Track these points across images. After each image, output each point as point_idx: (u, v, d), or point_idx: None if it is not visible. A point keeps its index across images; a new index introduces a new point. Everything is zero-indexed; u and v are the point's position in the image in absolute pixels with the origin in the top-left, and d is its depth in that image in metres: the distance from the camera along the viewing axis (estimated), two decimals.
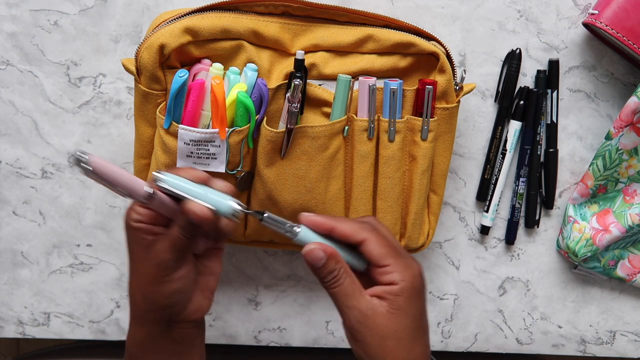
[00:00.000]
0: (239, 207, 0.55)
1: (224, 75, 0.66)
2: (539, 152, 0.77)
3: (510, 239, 0.80)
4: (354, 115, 0.68)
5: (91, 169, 0.51)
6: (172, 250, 0.56)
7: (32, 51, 0.75)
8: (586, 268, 0.80)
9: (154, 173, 0.55)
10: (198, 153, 0.66)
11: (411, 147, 0.70)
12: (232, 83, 0.65)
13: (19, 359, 0.95)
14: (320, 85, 0.68)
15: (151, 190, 0.54)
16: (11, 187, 0.79)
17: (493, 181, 0.78)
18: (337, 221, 0.57)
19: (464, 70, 0.69)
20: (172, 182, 0.54)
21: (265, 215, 0.57)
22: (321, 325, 0.84)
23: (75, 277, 0.82)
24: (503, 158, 0.77)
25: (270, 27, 0.66)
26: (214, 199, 0.54)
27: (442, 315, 0.84)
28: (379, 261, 0.56)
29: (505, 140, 0.77)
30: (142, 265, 0.57)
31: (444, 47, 0.68)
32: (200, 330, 0.63)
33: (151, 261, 0.56)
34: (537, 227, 0.81)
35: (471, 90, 0.70)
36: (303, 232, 0.57)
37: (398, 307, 0.56)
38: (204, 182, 0.56)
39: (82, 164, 0.51)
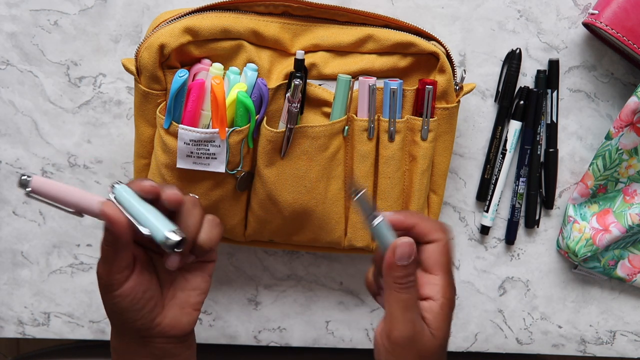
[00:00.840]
0: (173, 238, 0.52)
1: (224, 75, 0.66)
2: (539, 152, 0.77)
3: (510, 239, 0.80)
4: (354, 115, 0.68)
5: (30, 189, 0.51)
6: (101, 262, 0.54)
7: (32, 51, 0.75)
8: (586, 268, 0.80)
9: (113, 184, 0.54)
10: (198, 153, 0.66)
11: (411, 147, 0.70)
12: (232, 83, 0.65)
13: (19, 359, 0.95)
14: (320, 85, 0.68)
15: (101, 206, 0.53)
16: (11, 187, 0.79)
17: (493, 181, 0.78)
18: (417, 217, 0.55)
19: (464, 70, 0.69)
20: (123, 197, 0.53)
21: (361, 192, 0.54)
22: (321, 325, 0.84)
23: (75, 277, 0.82)
24: (503, 158, 0.77)
25: (270, 27, 0.66)
26: (153, 224, 0.52)
27: None
28: (432, 267, 0.54)
29: (505, 140, 0.77)
30: (99, 280, 0.56)
31: (444, 47, 0.68)
32: (186, 345, 0.59)
33: (99, 277, 0.55)
34: (537, 227, 0.81)
35: (471, 90, 0.70)
36: (381, 223, 0.54)
37: (438, 328, 0.54)
38: (156, 195, 0.54)
39: (24, 185, 0.51)
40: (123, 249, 0.53)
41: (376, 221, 0.54)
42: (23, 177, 0.50)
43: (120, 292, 0.54)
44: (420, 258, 0.55)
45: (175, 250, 0.53)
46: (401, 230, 0.55)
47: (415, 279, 0.54)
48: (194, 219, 0.56)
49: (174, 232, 0.52)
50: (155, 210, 0.53)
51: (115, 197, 0.53)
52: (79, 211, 0.53)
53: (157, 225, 0.52)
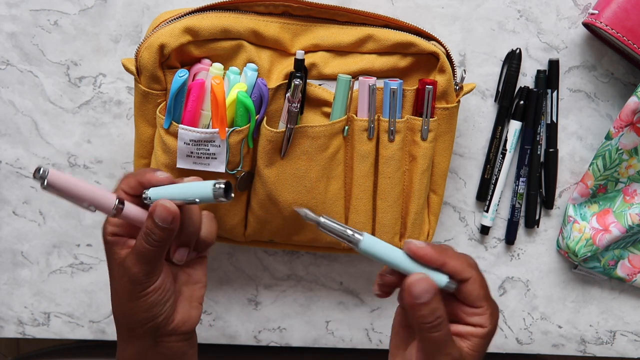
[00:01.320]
0: (220, 185, 0.53)
1: (224, 75, 0.66)
2: (539, 152, 0.77)
3: (510, 239, 0.80)
4: (354, 115, 0.68)
5: (46, 182, 0.51)
6: (140, 263, 0.54)
7: (32, 51, 0.75)
8: (586, 268, 0.80)
9: (145, 192, 0.55)
10: (198, 153, 0.66)
11: (411, 147, 0.70)
12: (232, 83, 0.65)
13: (19, 359, 0.95)
14: (320, 85, 0.68)
15: (116, 201, 0.54)
16: (11, 187, 0.79)
17: (493, 181, 0.78)
18: (447, 256, 0.53)
19: (464, 70, 0.69)
20: (159, 193, 0.54)
21: (321, 219, 0.51)
22: (321, 325, 0.84)
23: (75, 277, 0.82)
24: (503, 158, 0.77)
25: (270, 27, 0.66)
26: (196, 190, 0.54)
27: None
28: (475, 301, 0.53)
29: (505, 140, 0.77)
30: (118, 282, 0.56)
31: (444, 47, 0.68)
32: (191, 343, 0.60)
33: (124, 277, 0.55)
34: (537, 227, 0.81)
35: (471, 90, 0.70)
36: (366, 242, 0.51)
37: (478, 351, 0.54)
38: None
39: (42, 178, 0.51)
40: (168, 245, 0.55)
41: (361, 244, 0.51)
42: (40, 171, 0.51)
43: (153, 287, 0.55)
44: (458, 296, 0.54)
45: (226, 198, 0.53)
46: (430, 265, 0.53)
47: (444, 314, 0.52)
48: (196, 216, 0.57)
49: (216, 183, 0.53)
50: (186, 184, 0.55)
51: (151, 199, 0.55)
52: (94, 207, 0.53)
53: (200, 188, 0.53)
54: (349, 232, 0.51)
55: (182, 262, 0.58)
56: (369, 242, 0.52)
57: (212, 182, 0.53)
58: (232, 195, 0.53)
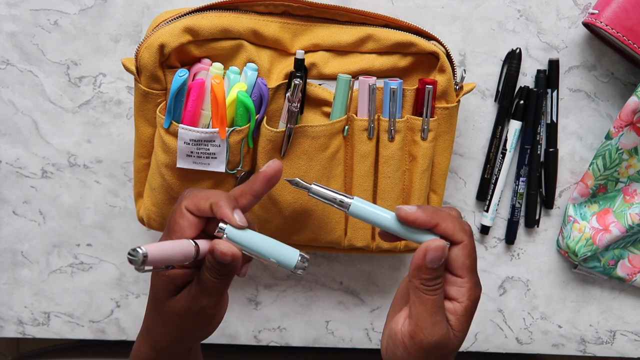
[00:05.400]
0: (304, 260, 0.52)
1: (224, 75, 0.66)
2: (539, 152, 0.77)
3: (510, 238, 0.80)
4: (354, 115, 0.68)
5: (144, 267, 0.47)
6: (212, 296, 0.53)
7: (32, 51, 0.75)
8: (586, 268, 0.80)
9: (223, 227, 0.52)
10: (198, 152, 0.66)
11: (411, 146, 0.70)
12: (232, 83, 0.65)
13: (19, 359, 0.95)
14: (320, 84, 0.68)
15: (194, 249, 0.51)
16: (11, 187, 0.79)
17: (493, 181, 0.78)
18: (440, 217, 0.53)
19: (464, 70, 0.69)
20: (235, 235, 0.52)
21: (313, 187, 0.54)
22: (321, 325, 0.84)
23: (75, 277, 0.82)
24: (503, 158, 0.77)
25: (270, 26, 0.66)
26: (280, 253, 0.52)
27: None
28: (457, 269, 0.53)
29: (505, 140, 0.77)
30: (182, 319, 0.54)
31: (444, 46, 0.68)
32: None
33: (191, 312, 0.53)
34: (537, 226, 0.81)
35: (471, 89, 0.70)
36: (356, 204, 0.53)
37: (460, 330, 0.53)
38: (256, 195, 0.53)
39: (143, 262, 0.47)
40: (232, 279, 0.53)
41: (352, 207, 0.54)
42: (134, 254, 0.47)
43: (220, 318, 0.55)
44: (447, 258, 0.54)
45: (303, 271, 0.53)
46: (423, 228, 0.53)
47: (443, 281, 0.53)
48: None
49: (301, 255, 0.53)
50: (269, 238, 0.53)
51: (227, 236, 0.52)
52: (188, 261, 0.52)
53: (285, 253, 0.52)
54: (339, 196, 0.54)
55: (244, 276, 0.57)
56: (359, 206, 0.54)
57: (297, 252, 0.52)
58: (306, 267, 0.53)
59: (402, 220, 0.53)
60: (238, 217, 0.52)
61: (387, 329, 0.56)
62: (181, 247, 0.50)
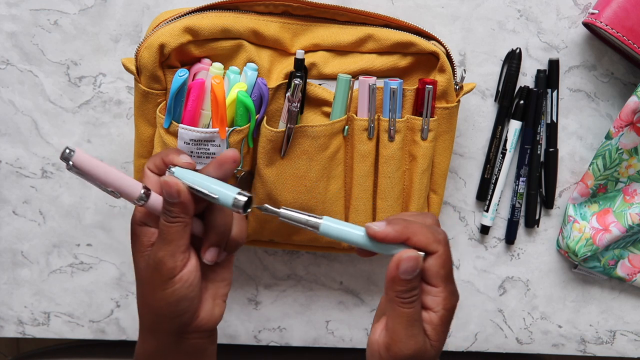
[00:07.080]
0: (242, 199, 0.53)
1: (224, 75, 0.66)
2: (539, 152, 0.78)
3: (510, 238, 0.80)
4: (354, 115, 0.68)
5: (72, 163, 0.50)
6: (163, 244, 0.54)
7: (32, 51, 0.75)
8: (586, 268, 0.80)
9: (170, 168, 0.55)
10: (198, 152, 0.66)
11: (411, 146, 0.70)
12: (232, 82, 0.65)
13: (19, 359, 0.95)
14: (320, 84, 0.68)
15: (142, 191, 0.54)
16: (11, 186, 0.79)
17: (493, 181, 0.78)
18: (410, 231, 0.52)
19: (464, 70, 0.69)
20: (181, 173, 0.54)
21: (282, 211, 0.54)
22: (321, 325, 0.84)
23: (75, 277, 0.82)
24: (503, 158, 0.77)
25: (270, 26, 0.66)
26: (219, 190, 0.53)
27: None
28: (431, 278, 0.53)
29: (505, 140, 0.77)
30: (143, 272, 0.56)
31: (444, 46, 0.68)
32: (212, 340, 0.60)
33: (149, 266, 0.55)
34: (537, 226, 0.81)
35: (471, 89, 0.70)
36: (325, 225, 0.54)
37: (437, 339, 0.53)
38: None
39: (66, 159, 0.50)
40: (187, 224, 0.54)
41: (322, 227, 0.54)
42: (66, 151, 0.50)
43: (180, 276, 0.55)
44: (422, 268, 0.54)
45: (245, 210, 0.53)
46: (394, 243, 0.53)
47: (420, 293, 0.53)
48: (228, 217, 0.57)
49: (240, 193, 0.53)
50: (214, 179, 0.54)
51: (174, 174, 0.55)
52: (117, 192, 0.53)
53: (224, 191, 0.53)
54: (309, 218, 0.54)
55: (213, 263, 0.57)
56: (329, 225, 0.54)
57: (237, 190, 0.53)
58: (249, 211, 0.54)
59: (372, 237, 0.53)
60: (184, 158, 0.55)
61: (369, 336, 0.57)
62: (122, 176, 0.53)
